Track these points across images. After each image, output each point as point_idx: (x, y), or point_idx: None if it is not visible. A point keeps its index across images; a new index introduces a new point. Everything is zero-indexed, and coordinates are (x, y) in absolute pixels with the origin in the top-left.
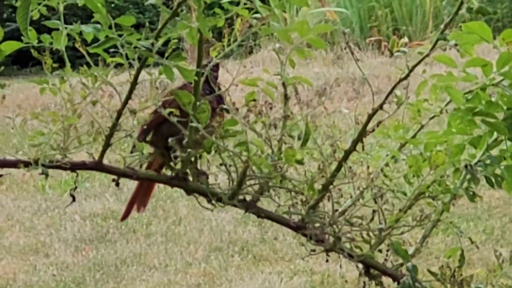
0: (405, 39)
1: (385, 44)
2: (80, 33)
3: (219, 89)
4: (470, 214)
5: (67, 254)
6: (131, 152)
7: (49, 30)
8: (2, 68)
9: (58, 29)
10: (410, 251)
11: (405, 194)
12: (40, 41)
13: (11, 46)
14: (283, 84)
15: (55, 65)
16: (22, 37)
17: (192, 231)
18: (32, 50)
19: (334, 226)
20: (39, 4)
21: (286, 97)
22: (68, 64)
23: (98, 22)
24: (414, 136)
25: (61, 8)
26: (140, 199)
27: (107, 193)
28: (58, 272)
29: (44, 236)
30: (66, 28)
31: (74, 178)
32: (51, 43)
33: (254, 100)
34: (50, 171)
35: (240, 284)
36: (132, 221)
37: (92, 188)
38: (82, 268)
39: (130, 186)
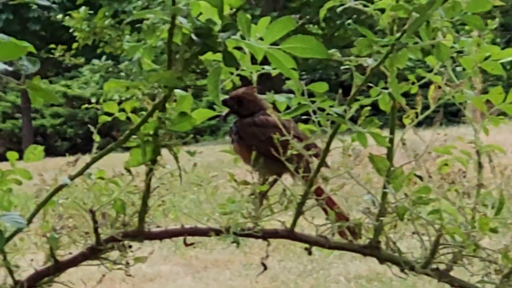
0: None
1: None
2: None
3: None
4: None
5: None
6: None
7: None
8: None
9: None
10: None
11: None
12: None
13: (203, 115)
14: (477, 152)
15: None
16: (214, 106)
17: None
18: None
19: None
20: (231, 73)
21: (480, 166)
22: None
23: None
24: None
25: (254, 77)
26: None
27: None
28: None
29: None
30: None
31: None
32: None
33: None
34: None
35: None
36: (396, 283)
37: None
38: None
39: None
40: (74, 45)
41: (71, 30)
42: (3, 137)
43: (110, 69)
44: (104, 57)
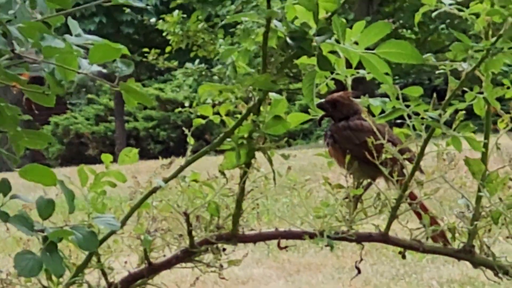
0: None
1: None
2: None
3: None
4: None
5: None
6: None
7: None
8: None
9: None
10: None
11: None
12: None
13: (298, 119)
14: None
15: None
16: (309, 109)
17: None
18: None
19: None
20: (326, 77)
21: None
22: None
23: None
24: None
25: (349, 81)
26: None
27: None
28: None
29: None
30: None
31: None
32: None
33: None
34: None
35: None
36: None
37: None
38: None
39: None
40: (168, 49)
41: (164, 34)
42: (96, 139)
43: (203, 72)
44: (197, 61)
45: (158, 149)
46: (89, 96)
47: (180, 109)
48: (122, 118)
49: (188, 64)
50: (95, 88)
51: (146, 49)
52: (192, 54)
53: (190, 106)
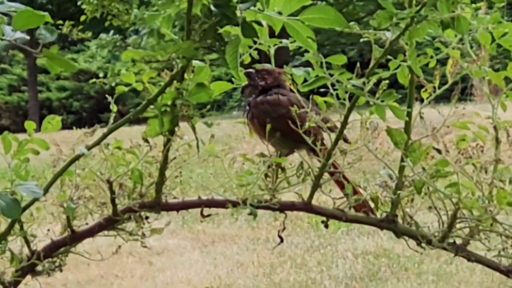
0: None
1: None
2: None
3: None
4: None
5: None
6: None
7: None
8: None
9: None
10: None
11: None
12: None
13: (221, 87)
14: (495, 127)
15: None
16: (232, 78)
17: (464, 270)
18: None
19: None
20: (250, 47)
21: (497, 141)
22: None
23: None
24: None
25: (271, 51)
26: None
27: (381, 231)
28: None
29: (315, 273)
30: None
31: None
32: None
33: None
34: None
35: None
36: (404, 260)
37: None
38: None
39: None
40: (82, 18)
41: (79, 3)
42: (9, 109)
43: (118, 43)
44: (112, 32)
45: (71, 120)
46: (2, 66)
47: (94, 80)
48: (35, 88)
49: (102, 35)
50: (8, 58)
51: (60, 22)
52: (106, 24)
53: (104, 77)
